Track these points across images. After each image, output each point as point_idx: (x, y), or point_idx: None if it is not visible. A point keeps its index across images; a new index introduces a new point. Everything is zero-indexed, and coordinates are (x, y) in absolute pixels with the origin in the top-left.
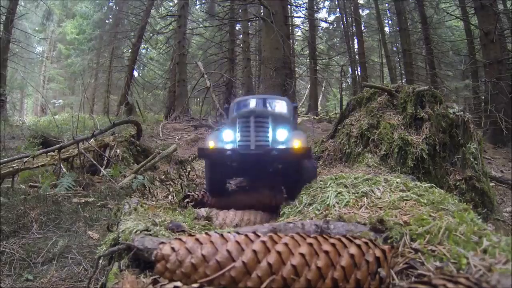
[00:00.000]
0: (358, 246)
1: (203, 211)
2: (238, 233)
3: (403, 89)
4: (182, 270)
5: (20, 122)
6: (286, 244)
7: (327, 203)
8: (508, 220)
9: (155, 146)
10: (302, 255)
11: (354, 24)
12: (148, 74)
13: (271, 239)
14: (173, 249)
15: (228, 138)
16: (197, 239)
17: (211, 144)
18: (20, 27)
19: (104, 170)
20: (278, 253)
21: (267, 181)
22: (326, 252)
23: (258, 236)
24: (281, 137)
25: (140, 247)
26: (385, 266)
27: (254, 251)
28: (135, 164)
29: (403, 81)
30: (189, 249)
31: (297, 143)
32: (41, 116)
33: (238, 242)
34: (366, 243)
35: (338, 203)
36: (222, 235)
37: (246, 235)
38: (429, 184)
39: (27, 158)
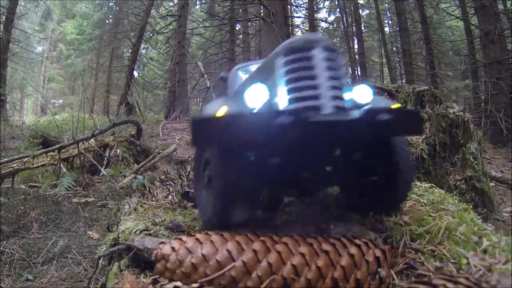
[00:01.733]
0: (358, 246)
1: None
2: (238, 233)
3: (403, 89)
4: (182, 269)
5: (20, 122)
6: (286, 244)
7: (327, 203)
8: (508, 220)
9: (155, 146)
10: (302, 254)
11: (354, 24)
12: (148, 74)
13: (271, 238)
14: (173, 248)
15: (259, 98)
16: (197, 239)
17: (223, 110)
18: (20, 27)
19: (104, 170)
20: (278, 252)
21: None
22: (326, 252)
23: (258, 236)
24: (364, 96)
25: (140, 247)
26: (385, 266)
27: (254, 251)
28: (135, 164)
29: (403, 81)
30: (189, 249)
31: (394, 105)
32: (41, 116)
33: (238, 242)
34: (366, 243)
35: (338, 204)
36: (222, 235)
37: (246, 235)
38: (429, 184)
39: (27, 158)
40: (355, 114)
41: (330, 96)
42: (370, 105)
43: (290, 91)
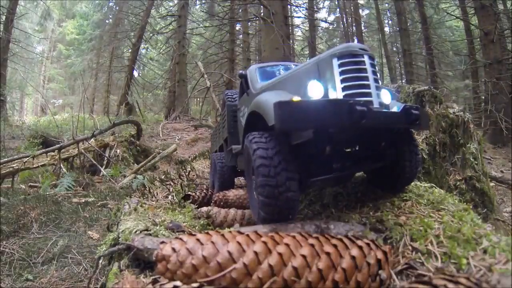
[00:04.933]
0: (360, 247)
1: (203, 209)
2: (239, 232)
3: (403, 89)
4: (183, 270)
5: (20, 122)
6: (287, 245)
7: (326, 203)
8: (508, 220)
9: (155, 146)
10: (304, 256)
11: (354, 24)
12: (148, 74)
13: (272, 239)
14: (173, 249)
15: (316, 92)
16: (198, 239)
17: (297, 98)
18: (20, 27)
19: (104, 170)
20: (280, 254)
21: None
22: (328, 254)
23: (260, 236)
24: (386, 99)
25: (140, 247)
26: (386, 268)
27: (255, 252)
28: (135, 164)
29: (403, 81)
30: (190, 250)
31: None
32: (41, 116)
33: (239, 243)
34: (368, 244)
35: (338, 204)
36: (223, 235)
37: (248, 235)
38: (429, 184)
39: (27, 158)
40: (396, 109)
41: (376, 94)
42: (403, 103)
43: (345, 88)
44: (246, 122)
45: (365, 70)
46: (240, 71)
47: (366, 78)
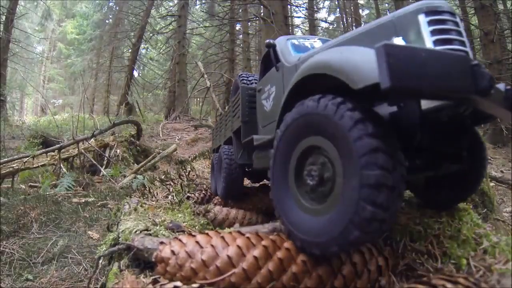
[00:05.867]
0: (362, 253)
1: (202, 207)
2: (240, 233)
3: None
4: (182, 274)
5: (20, 122)
6: (288, 250)
7: None
8: (508, 220)
9: (155, 146)
10: (304, 262)
11: (354, 24)
12: (148, 74)
13: (273, 243)
14: (173, 252)
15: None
16: (197, 242)
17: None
18: (20, 27)
19: (104, 170)
20: (280, 259)
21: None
22: (328, 260)
23: (261, 239)
24: None
25: (140, 247)
26: (386, 275)
27: (255, 257)
28: (135, 164)
29: None
30: (189, 253)
31: None
32: (41, 116)
33: (239, 247)
34: (370, 250)
35: None
36: (223, 237)
37: (248, 238)
38: None
39: (27, 158)
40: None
41: (472, 56)
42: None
43: (439, 43)
44: (288, 97)
45: (460, 33)
46: (268, 40)
47: (464, 44)
